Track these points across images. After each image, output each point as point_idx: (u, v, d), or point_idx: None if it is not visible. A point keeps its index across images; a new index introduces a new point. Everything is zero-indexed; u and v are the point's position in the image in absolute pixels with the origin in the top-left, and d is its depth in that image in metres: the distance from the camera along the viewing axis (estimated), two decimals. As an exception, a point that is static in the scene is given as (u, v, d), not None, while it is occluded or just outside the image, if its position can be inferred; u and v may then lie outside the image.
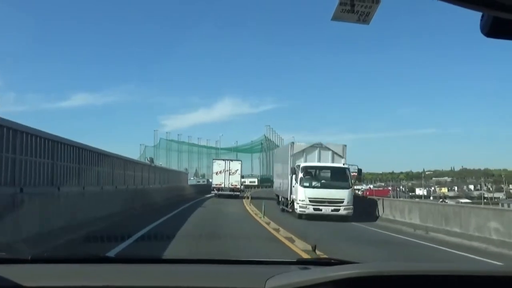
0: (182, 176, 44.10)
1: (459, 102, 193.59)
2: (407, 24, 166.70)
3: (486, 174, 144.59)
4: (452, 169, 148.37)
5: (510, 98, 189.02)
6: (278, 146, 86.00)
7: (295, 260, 2.29)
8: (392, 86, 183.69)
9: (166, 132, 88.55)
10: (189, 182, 49.97)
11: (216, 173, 35.72)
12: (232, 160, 38.64)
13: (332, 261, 2.18)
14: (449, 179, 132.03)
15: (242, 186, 37.29)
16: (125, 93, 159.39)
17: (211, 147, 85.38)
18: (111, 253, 7.06)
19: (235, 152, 77.51)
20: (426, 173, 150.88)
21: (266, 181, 72.88)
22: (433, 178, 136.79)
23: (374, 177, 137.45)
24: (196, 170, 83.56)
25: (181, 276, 1.87)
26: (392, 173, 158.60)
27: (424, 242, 12.88)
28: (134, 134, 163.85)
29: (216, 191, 35.08)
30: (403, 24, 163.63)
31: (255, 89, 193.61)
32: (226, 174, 35.17)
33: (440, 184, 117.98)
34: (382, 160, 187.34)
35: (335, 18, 2.37)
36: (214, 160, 38.96)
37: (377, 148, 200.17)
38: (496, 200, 66.75)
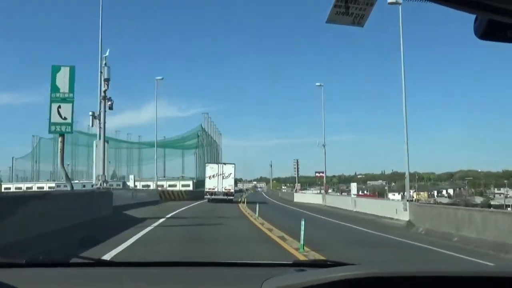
0: None
1: (374, 107, 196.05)
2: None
3: (417, 178, 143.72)
4: (383, 172, 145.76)
5: (429, 102, 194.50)
6: (215, 141, 71.58)
7: (291, 262, 2.22)
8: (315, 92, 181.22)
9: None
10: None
11: (209, 177, 34.99)
12: (225, 164, 37.46)
13: (328, 263, 2.17)
14: (383, 182, 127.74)
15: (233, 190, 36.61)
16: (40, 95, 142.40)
17: (132, 142, 67.94)
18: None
19: (162, 148, 60.98)
20: (358, 176, 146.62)
21: (203, 185, 57.07)
22: (368, 182, 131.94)
23: (309, 181, 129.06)
24: (114, 171, 65.13)
25: (177, 279, 1.85)
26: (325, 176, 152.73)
27: None
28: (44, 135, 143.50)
29: (209, 196, 34.07)
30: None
31: (182, 93, 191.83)
32: (219, 178, 34.31)
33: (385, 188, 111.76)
34: (310, 164, 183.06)
35: (330, 20, 2.21)
36: (206, 164, 38.49)
37: (304, 153, 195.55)
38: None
